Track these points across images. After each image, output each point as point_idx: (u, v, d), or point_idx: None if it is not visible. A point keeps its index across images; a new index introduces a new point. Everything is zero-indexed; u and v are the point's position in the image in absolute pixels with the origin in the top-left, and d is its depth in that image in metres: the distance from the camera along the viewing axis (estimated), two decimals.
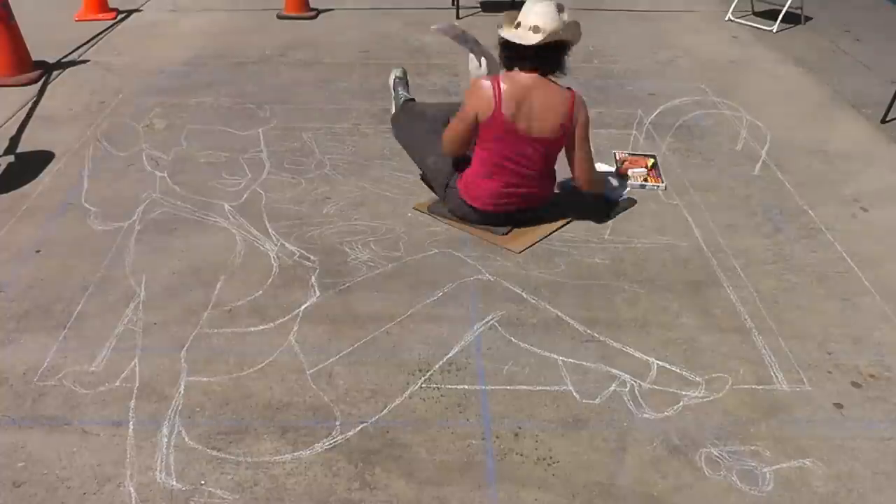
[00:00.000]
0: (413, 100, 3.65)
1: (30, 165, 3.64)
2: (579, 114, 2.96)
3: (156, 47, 5.32)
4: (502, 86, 2.88)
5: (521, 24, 2.86)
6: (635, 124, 4.20)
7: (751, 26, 5.99)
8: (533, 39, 2.82)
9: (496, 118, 2.89)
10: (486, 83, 2.91)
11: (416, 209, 3.31)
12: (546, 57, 2.89)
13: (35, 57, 4.82)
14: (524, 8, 2.88)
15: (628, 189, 3.45)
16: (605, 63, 5.12)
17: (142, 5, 6.34)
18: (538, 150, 2.98)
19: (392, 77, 3.74)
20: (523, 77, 2.90)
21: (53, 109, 4.30)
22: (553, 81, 2.95)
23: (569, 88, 2.98)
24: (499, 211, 3.10)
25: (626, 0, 6.62)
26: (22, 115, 4.21)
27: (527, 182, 3.06)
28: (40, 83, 4.63)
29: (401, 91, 3.67)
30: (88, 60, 5.08)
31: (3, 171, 3.60)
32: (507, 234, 3.11)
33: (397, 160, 3.75)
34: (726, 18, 6.13)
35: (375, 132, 4.06)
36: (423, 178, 3.45)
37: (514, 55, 2.91)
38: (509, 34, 2.87)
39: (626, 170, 3.56)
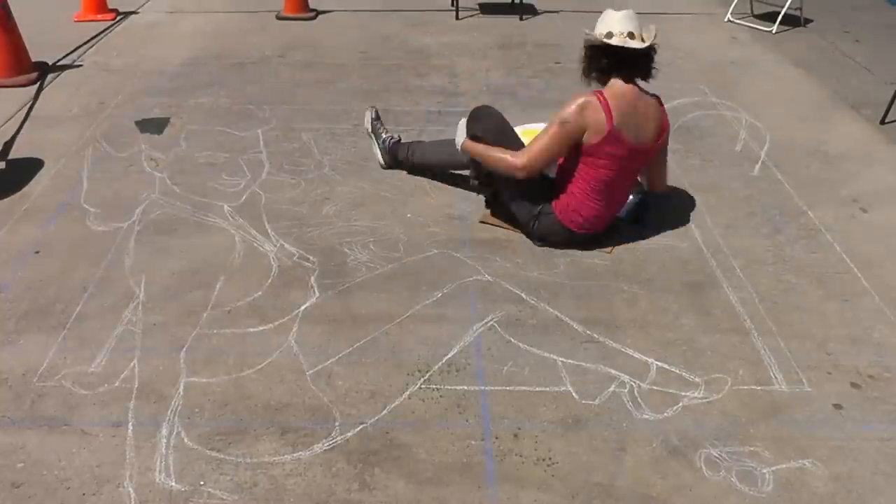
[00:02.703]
0: (399, 139, 3.61)
1: (29, 166, 3.64)
2: (667, 119, 3.01)
3: (155, 48, 5.32)
4: (609, 100, 2.82)
5: (613, 33, 2.81)
6: None
7: (750, 27, 5.99)
8: (638, 44, 2.81)
9: (611, 134, 2.81)
10: (592, 98, 2.83)
11: (485, 223, 3.23)
12: (647, 62, 2.89)
13: (34, 58, 4.82)
14: (607, 18, 2.85)
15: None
16: None
17: (141, 6, 6.34)
18: (640, 161, 2.98)
19: (368, 120, 3.67)
20: (625, 88, 2.86)
21: (53, 110, 4.30)
22: (639, 87, 2.92)
23: (654, 95, 2.98)
24: (592, 231, 3.03)
25: (626, 1, 6.62)
26: (21, 115, 4.20)
27: (625, 197, 3.08)
28: (40, 84, 4.63)
29: (383, 135, 3.62)
30: (88, 61, 5.08)
31: (2, 172, 3.60)
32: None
33: None
34: (725, 19, 6.13)
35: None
36: (494, 204, 3.27)
37: (617, 64, 2.86)
38: (617, 41, 2.80)
39: None
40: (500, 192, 3.13)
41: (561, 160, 3.00)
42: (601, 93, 2.85)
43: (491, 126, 3.09)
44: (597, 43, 2.85)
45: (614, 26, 2.82)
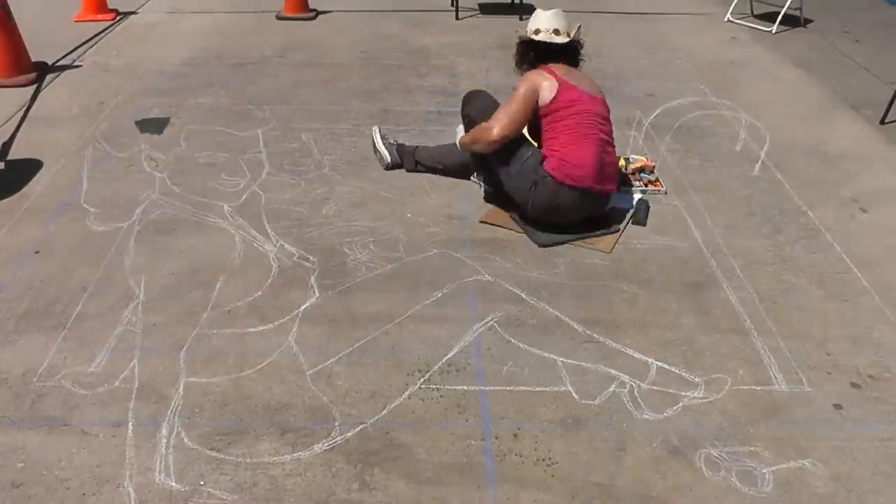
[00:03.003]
0: (403, 144, 3.70)
1: (29, 166, 3.64)
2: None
3: (155, 48, 5.32)
4: (548, 68, 3.16)
5: (540, 30, 3.20)
6: (634, 125, 4.20)
7: (750, 27, 5.99)
8: (562, 39, 3.20)
9: (562, 85, 3.09)
10: (534, 70, 3.18)
11: (486, 222, 3.25)
12: (573, 54, 3.26)
13: (34, 58, 4.83)
14: (537, 17, 3.24)
15: (638, 195, 3.45)
16: (604, 64, 5.12)
17: (141, 6, 6.34)
18: (600, 107, 3.17)
19: (377, 135, 3.70)
20: (556, 63, 3.20)
21: (52, 110, 4.29)
22: None
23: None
24: (597, 189, 3.10)
25: (626, 1, 6.63)
26: (21, 115, 4.20)
27: (610, 146, 3.18)
28: (40, 84, 4.63)
29: (390, 140, 3.71)
30: (88, 61, 5.08)
31: (2, 172, 3.60)
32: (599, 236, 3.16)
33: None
34: (725, 19, 6.13)
35: None
36: (493, 192, 3.39)
37: (544, 56, 3.21)
38: (543, 37, 3.19)
39: (635, 173, 3.56)
40: (498, 181, 3.24)
41: (538, 132, 3.21)
42: (544, 67, 3.18)
43: (481, 105, 3.27)
44: (525, 39, 3.25)
45: (541, 24, 3.21)
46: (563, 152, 3.06)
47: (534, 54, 3.23)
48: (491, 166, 3.23)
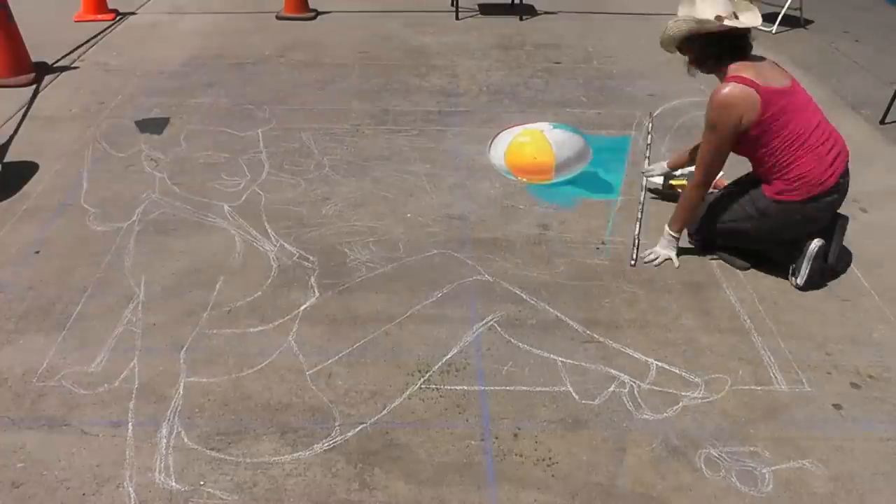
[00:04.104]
0: None
1: (29, 166, 3.64)
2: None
3: (155, 48, 5.32)
4: (741, 73, 2.64)
5: (721, 15, 2.65)
6: (634, 125, 4.20)
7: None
8: (750, 21, 2.67)
9: (765, 95, 2.61)
10: (729, 87, 2.64)
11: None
12: (747, 42, 2.74)
13: (34, 58, 4.82)
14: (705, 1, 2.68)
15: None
16: (604, 64, 5.12)
17: (141, 6, 6.34)
18: (802, 97, 2.75)
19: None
20: (743, 61, 2.69)
21: (52, 110, 4.29)
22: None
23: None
24: (832, 182, 2.71)
25: (626, 1, 6.62)
26: (21, 115, 4.20)
27: (825, 130, 2.75)
28: (39, 84, 4.63)
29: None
30: (88, 61, 5.08)
31: (2, 172, 3.60)
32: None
33: (396, 161, 3.76)
34: None
35: (375, 133, 4.06)
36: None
37: (738, 47, 2.71)
38: (732, 23, 2.63)
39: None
40: (713, 230, 2.97)
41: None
42: (731, 77, 2.66)
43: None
44: (704, 31, 2.67)
45: (718, 6, 2.65)
46: (782, 171, 2.71)
47: (718, 50, 2.70)
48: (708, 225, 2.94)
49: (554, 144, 3.66)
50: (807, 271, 2.81)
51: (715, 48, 2.71)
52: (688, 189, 2.93)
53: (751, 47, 2.74)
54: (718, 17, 2.64)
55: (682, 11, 2.75)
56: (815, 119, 2.74)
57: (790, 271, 2.87)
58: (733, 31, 2.66)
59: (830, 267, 2.86)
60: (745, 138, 2.70)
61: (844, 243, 2.96)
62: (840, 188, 2.78)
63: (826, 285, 2.88)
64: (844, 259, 2.98)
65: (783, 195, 2.74)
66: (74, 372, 2.39)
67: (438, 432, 2.20)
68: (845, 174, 2.79)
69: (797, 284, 2.84)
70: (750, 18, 2.69)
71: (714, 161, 2.79)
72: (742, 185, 2.93)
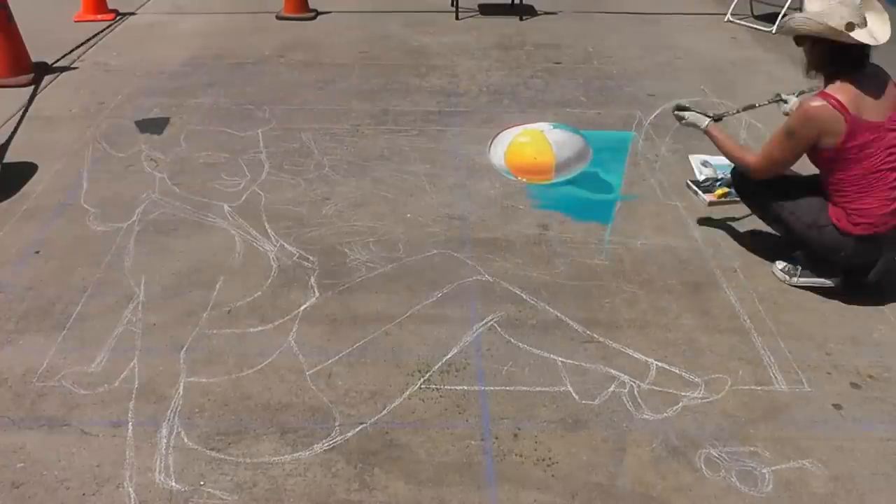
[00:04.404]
0: None
1: (29, 166, 3.64)
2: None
3: (155, 48, 5.32)
4: (838, 95, 2.53)
5: (855, 24, 2.49)
6: (634, 125, 4.20)
7: (750, 27, 5.99)
8: (887, 32, 2.52)
9: (852, 128, 2.52)
10: (818, 104, 2.54)
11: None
12: (866, 60, 2.61)
13: (34, 58, 4.82)
14: (847, 1, 2.49)
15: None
16: (605, 64, 5.12)
17: (141, 6, 6.34)
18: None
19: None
20: (850, 82, 2.57)
21: (52, 110, 4.30)
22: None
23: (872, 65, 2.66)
24: (881, 229, 2.64)
25: (626, 1, 6.62)
26: (21, 115, 4.20)
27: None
28: (39, 84, 4.63)
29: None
30: (88, 61, 5.08)
31: (2, 173, 3.60)
32: None
33: (396, 161, 3.76)
34: (725, 19, 6.13)
35: (375, 133, 4.07)
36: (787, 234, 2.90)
37: (856, 61, 2.58)
38: (861, 37, 2.50)
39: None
40: (769, 205, 2.88)
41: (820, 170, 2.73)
42: (829, 95, 2.55)
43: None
44: (828, 36, 2.51)
45: (853, 14, 2.48)
46: (848, 200, 2.65)
47: (838, 64, 2.57)
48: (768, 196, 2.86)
49: (554, 144, 3.66)
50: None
51: (836, 61, 2.58)
52: (743, 158, 2.82)
53: (868, 58, 2.61)
54: (849, 25, 2.48)
55: (814, 7, 2.54)
56: (883, 160, 2.59)
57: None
58: (857, 44, 2.52)
59: (870, 282, 2.76)
60: (820, 156, 2.65)
61: None
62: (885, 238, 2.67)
63: (825, 286, 2.88)
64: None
65: (841, 223, 2.67)
66: (74, 372, 2.39)
67: (438, 432, 2.20)
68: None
69: (871, 278, 2.74)
70: (880, 30, 2.53)
71: (777, 162, 2.73)
72: (819, 189, 2.78)
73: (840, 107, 2.52)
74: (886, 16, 2.55)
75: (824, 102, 2.55)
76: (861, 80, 2.58)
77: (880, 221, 2.63)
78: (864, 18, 2.51)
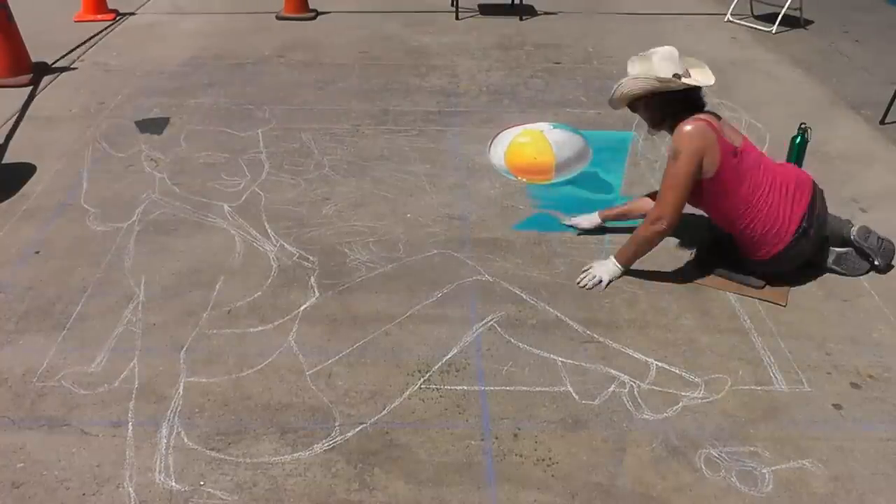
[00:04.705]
0: None
1: (29, 166, 3.64)
2: None
3: (155, 48, 5.33)
4: (707, 118, 2.65)
5: (680, 74, 2.66)
6: (634, 125, 4.19)
7: (750, 27, 5.99)
8: (710, 78, 2.71)
9: (723, 147, 2.61)
10: (689, 125, 2.61)
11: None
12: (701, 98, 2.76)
13: (34, 58, 4.83)
14: (665, 56, 2.68)
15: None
16: (605, 64, 5.12)
17: (141, 6, 6.34)
18: (758, 153, 2.76)
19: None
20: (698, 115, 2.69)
21: (52, 110, 4.30)
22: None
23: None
24: (796, 225, 2.70)
25: (626, 2, 6.63)
26: (21, 115, 4.20)
27: (778, 180, 2.73)
28: (38, 84, 4.63)
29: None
30: (88, 61, 5.08)
31: (2, 173, 3.60)
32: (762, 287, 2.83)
33: (396, 161, 3.76)
34: (725, 19, 6.13)
35: (375, 133, 4.07)
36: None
37: (695, 103, 2.71)
38: (697, 80, 2.67)
39: None
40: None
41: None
42: (693, 119, 2.65)
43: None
44: (666, 89, 2.66)
45: (679, 66, 2.68)
46: (758, 228, 2.70)
47: (678, 108, 2.68)
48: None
49: (554, 145, 3.66)
50: (878, 249, 2.90)
51: (675, 106, 2.68)
52: (644, 224, 2.78)
53: (705, 104, 2.75)
54: (676, 76, 2.64)
55: (636, 69, 2.72)
56: (768, 178, 2.70)
57: (832, 260, 2.92)
58: (692, 88, 2.67)
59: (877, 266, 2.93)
60: (705, 186, 2.67)
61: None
62: (807, 229, 2.72)
63: (826, 285, 2.88)
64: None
65: (757, 254, 2.75)
66: (74, 372, 2.39)
67: (438, 432, 2.20)
68: (809, 214, 2.73)
69: (879, 265, 2.91)
70: (703, 76, 2.72)
71: (679, 196, 2.67)
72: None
73: (709, 125, 2.62)
74: (706, 67, 2.76)
75: (694, 122, 2.62)
76: (709, 119, 2.67)
77: (784, 231, 2.69)
78: (687, 71, 2.69)
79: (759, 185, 2.68)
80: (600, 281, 2.85)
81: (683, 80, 2.65)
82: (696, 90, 2.70)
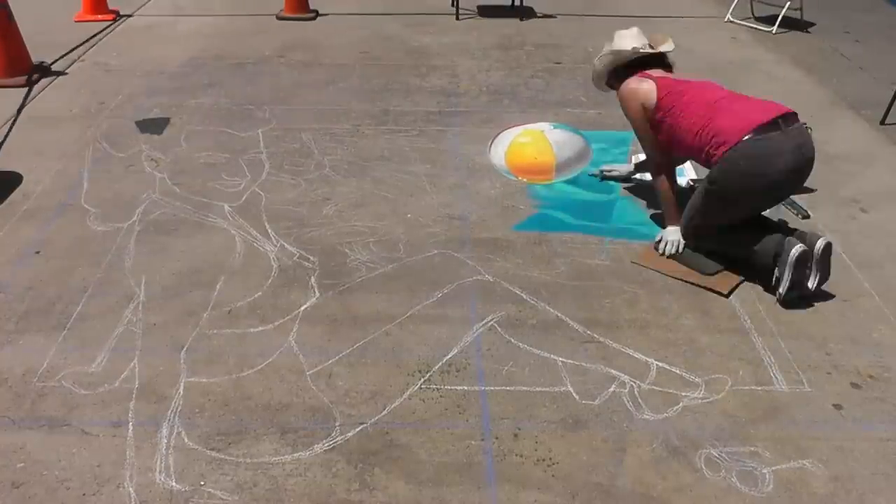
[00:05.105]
0: None
1: (29, 166, 3.64)
2: None
3: (155, 48, 5.32)
4: (639, 72, 3.07)
5: (637, 47, 3.09)
6: None
7: (750, 27, 5.99)
8: (671, 46, 3.12)
9: (658, 81, 2.99)
10: (623, 86, 3.08)
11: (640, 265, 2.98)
12: (664, 63, 3.15)
13: (34, 58, 4.83)
14: (630, 34, 3.14)
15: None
16: None
17: (141, 6, 6.34)
18: (716, 86, 3.01)
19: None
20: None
21: (53, 110, 4.30)
22: None
23: None
24: (768, 117, 2.74)
25: (628, 4, 6.63)
26: (21, 115, 4.20)
27: (736, 96, 2.93)
28: (34, 84, 4.62)
29: None
30: (88, 61, 5.08)
31: (2, 172, 3.60)
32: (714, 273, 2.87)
33: (397, 161, 3.76)
34: (725, 20, 6.13)
35: (375, 133, 4.07)
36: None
37: (645, 66, 3.09)
38: (645, 51, 3.09)
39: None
40: (689, 230, 3.00)
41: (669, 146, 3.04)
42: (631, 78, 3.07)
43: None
44: (625, 61, 3.10)
45: (634, 41, 3.11)
46: (719, 128, 2.77)
47: (628, 70, 3.10)
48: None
49: (554, 145, 3.67)
50: (788, 278, 2.68)
51: (632, 72, 3.08)
52: (652, 170, 3.13)
53: (670, 68, 3.15)
54: (634, 49, 3.07)
55: (604, 50, 3.17)
56: (720, 93, 2.93)
57: (773, 281, 2.78)
58: (646, 56, 3.08)
59: (810, 291, 2.76)
60: (660, 127, 2.98)
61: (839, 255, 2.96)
62: (783, 129, 2.74)
63: (826, 285, 2.88)
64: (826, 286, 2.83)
65: (716, 155, 2.77)
66: (75, 372, 2.39)
67: (438, 432, 2.20)
68: (789, 120, 2.79)
69: (780, 294, 2.73)
70: (666, 46, 3.12)
71: (646, 146, 3.10)
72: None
73: (643, 75, 3.04)
74: (670, 40, 3.14)
75: (627, 81, 3.06)
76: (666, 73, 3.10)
77: (749, 119, 2.74)
78: (648, 45, 3.11)
79: (713, 96, 2.89)
80: (678, 242, 3.01)
81: (641, 50, 3.07)
82: (650, 57, 3.08)
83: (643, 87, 3.00)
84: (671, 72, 3.14)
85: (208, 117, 4.20)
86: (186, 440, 2.16)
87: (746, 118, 2.75)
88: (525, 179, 3.63)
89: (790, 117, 2.81)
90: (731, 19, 6.12)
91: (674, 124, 2.92)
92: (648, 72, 3.06)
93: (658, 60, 3.12)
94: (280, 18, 6.05)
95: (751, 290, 2.84)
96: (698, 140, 2.83)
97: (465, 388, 2.37)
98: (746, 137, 2.71)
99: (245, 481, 2.04)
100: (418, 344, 2.54)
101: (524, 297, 2.78)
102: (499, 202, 3.43)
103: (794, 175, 2.81)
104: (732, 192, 2.79)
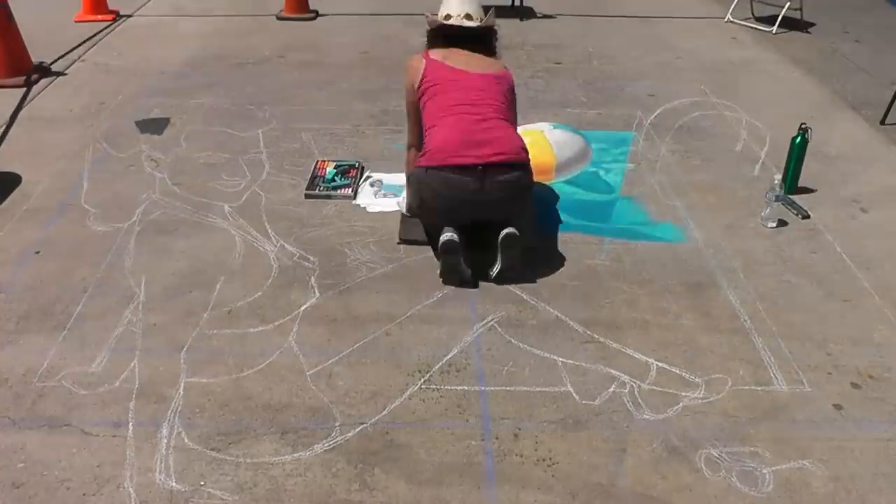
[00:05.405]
0: None
1: (29, 166, 3.64)
2: (509, 72, 3.08)
3: (155, 48, 5.32)
4: (431, 52, 3.03)
5: (452, 15, 3.01)
6: (635, 125, 4.20)
7: (750, 28, 6.00)
8: (473, 23, 3.00)
9: (430, 65, 2.95)
10: (413, 58, 3.05)
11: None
12: (485, 41, 3.05)
13: (34, 58, 4.83)
14: (448, 2, 3.05)
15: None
16: (605, 64, 5.12)
17: (141, 6, 6.34)
18: (488, 82, 2.94)
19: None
20: (458, 51, 3.00)
21: (53, 110, 4.30)
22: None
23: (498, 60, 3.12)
24: (468, 161, 2.75)
25: (628, 4, 6.63)
26: (21, 115, 4.21)
27: (487, 116, 2.84)
28: (33, 84, 4.62)
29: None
30: (88, 61, 5.08)
31: (2, 173, 3.60)
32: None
33: (397, 161, 3.76)
34: (726, 20, 6.13)
35: (375, 133, 4.07)
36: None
37: (455, 40, 3.01)
38: (456, 21, 2.99)
39: None
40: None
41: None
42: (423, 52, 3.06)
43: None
44: (436, 25, 3.05)
45: (452, 8, 3.02)
46: (428, 141, 2.88)
47: (441, 40, 3.04)
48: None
49: (554, 145, 3.66)
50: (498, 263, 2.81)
51: (434, 39, 3.07)
52: (409, 162, 3.12)
53: (470, 41, 3.01)
54: (447, 17, 3.02)
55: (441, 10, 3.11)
56: (480, 112, 2.85)
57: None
58: (444, 27, 3.02)
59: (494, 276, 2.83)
60: (421, 110, 2.96)
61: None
62: (481, 179, 2.76)
63: (826, 285, 2.88)
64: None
65: (419, 161, 2.88)
66: (75, 372, 2.39)
67: (439, 432, 2.20)
68: (500, 173, 2.78)
69: (490, 275, 2.83)
70: (471, 23, 3.00)
71: (408, 119, 3.09)
72: None
73: (424, 54, 3.01)
74: (485, 17, 3.04)
75: (412, 56, 3.06)
76: (465, 54, 2.98)
77: (454, 155, 2.77)
78: (468, 14, 3.00)
79: (463, 104, 2.86)
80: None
81: (441, 20, 3.03)
82: (449, 31, 3.01)
83: (414, 65, 3.00)
84: (493, 56, 3.06)
85: (208, 117, 4.20)
86: (186, 440, 2.16)
87: (449, 154, 2.79)
88: None
89: (503, 167, 2.80)
90: (732, 19, 6.13)
91: (422, 112, 2.97)
92: (441, 50, 3.00)
93: (477, 39, 3.02)
94: (280, 18, 6.05)
95: (751, 290, 2.84)
96: (423, 136, 2.93)
97: (465, 388, 2.37)
98: (435, 169, 2.81)
99: (245, 481, 2.04)
100: (418, 344, 2.54)
101: (524, 297, 2.78)
102: None
103: (461, 211, 2.85)
104: (419, 197, 2.93)
